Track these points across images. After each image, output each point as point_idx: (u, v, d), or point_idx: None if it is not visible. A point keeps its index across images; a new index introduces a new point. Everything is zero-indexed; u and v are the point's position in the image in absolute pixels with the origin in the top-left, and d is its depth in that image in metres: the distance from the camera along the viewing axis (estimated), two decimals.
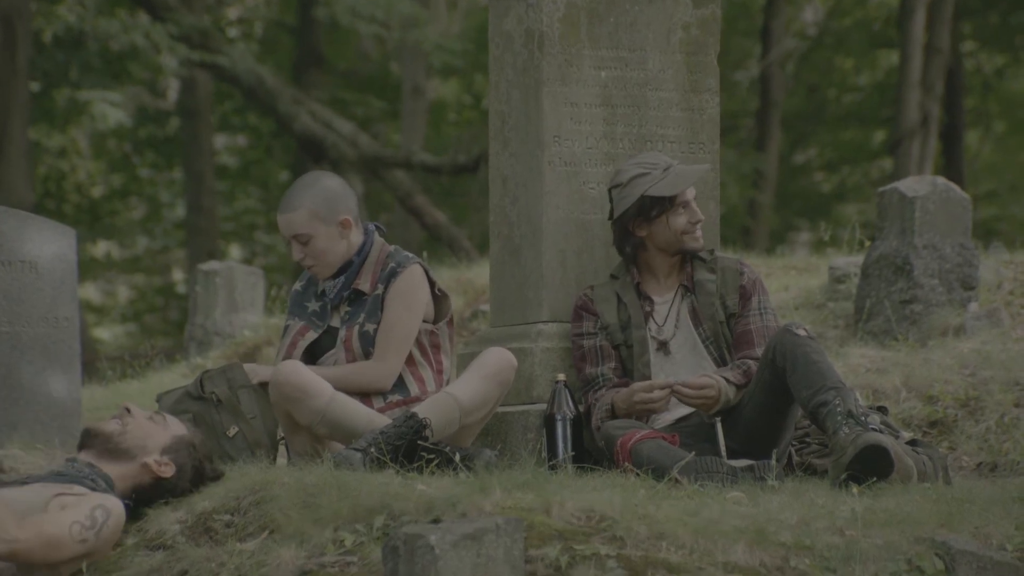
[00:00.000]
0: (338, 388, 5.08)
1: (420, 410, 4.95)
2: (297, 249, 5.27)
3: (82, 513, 4.22)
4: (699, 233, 5.28)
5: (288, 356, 5.29)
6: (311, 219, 5.25)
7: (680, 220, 5.24)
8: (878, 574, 3.88)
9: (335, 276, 5.31)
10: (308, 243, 5.25)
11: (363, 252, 5.31)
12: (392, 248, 5.36)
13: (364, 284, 5.29)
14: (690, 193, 5.27)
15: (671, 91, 5.69)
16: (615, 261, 5.46)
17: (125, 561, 4.23)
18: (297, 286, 5.46)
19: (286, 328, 5.38)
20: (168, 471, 4.52)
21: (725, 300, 5.27)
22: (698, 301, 5.27)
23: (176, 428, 4.62)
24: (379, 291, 5.27)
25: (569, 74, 5.58)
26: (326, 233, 5.26)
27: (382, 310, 5.25)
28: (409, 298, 5.25)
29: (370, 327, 5.25)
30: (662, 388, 5.02)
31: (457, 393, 5.03)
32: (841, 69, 23.06)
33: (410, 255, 5.34)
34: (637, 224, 5.26)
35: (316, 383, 5.00)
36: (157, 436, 4.57)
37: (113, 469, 4.48)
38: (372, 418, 4.99)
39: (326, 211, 5.25)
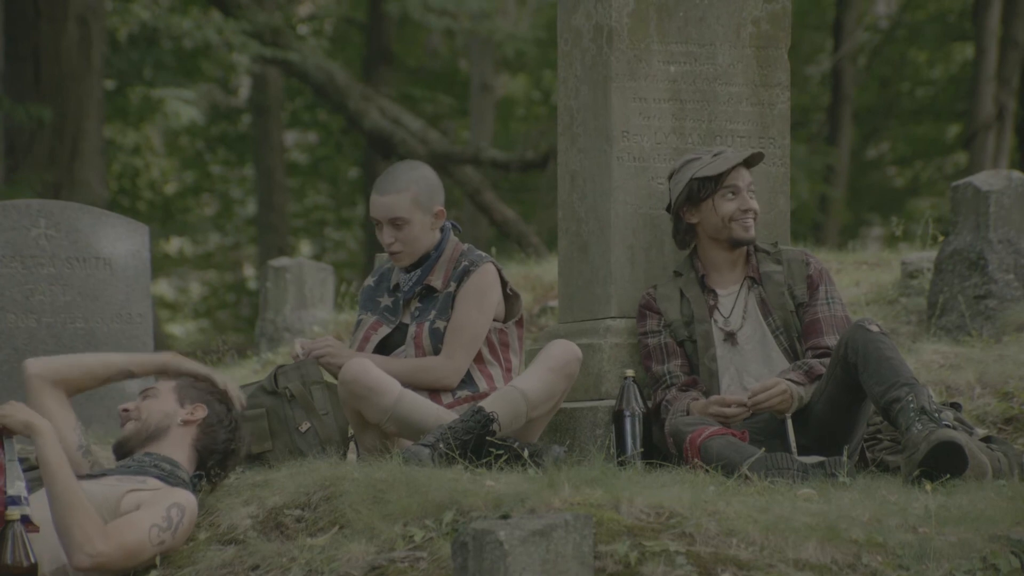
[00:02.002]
0: (404, 382, 5.10)
1: (487, 404, 4.95)
2: (389, 232, 5.25)
3: (158, 514, 4.24)
4: (750, 223, 5.23)
5: (361, 350, 5.31)
6: (412, 205, 5.25)
7: (728, 206, 5.21)
8: (952, 572, 3.84)
9: (410, 270, 5.32)
10: (403, 228, 5.24)
11: (440, 248, 5.32)
12: (466, 247, 5.36)
13: (436, 281, 5.30)
14: (742, 180, 5.23)
15: (741, 86, 5.66)
16: (683, 257, 5.44)
17: (198, 555, 4.27)
18: (370, 281, 5.47)
19: (359, 322, 5.39)
20: (201, 411, 4.56)
21: (793, 290, 5.25)
22: (766, 292, 5.25)
23: (168, 382, 4.65)
24: (451, 289, 5.28)
25: (638, 69, 5.56)
26: (421, 221, 5.26)
27: (453, 308, 5.26)
28: (480, 297, 5.25)
29: (440, 324, 5.25)
30: (738, 405, 4.98)
31: (523, 387, 5.03)
32: (914, 62, 22.83)
33: (483, 254, 5.34)
34: (688, 211, 5.27)
35: (384, 381, 5.01)
36: (165, 399, 4.60)
37: (164, 447, 4.52)
38: (440, 415, 5.00)
39: (426, 199, 5.26)
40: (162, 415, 4.56)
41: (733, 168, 5.22)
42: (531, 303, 10.36)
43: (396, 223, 5.24)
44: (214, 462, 4.55)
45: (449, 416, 5.00)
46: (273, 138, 20.65)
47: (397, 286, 5.36)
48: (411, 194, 5.24)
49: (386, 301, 5.38)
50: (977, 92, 18.88)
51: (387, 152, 18.40)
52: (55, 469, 4.16)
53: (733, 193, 5.22)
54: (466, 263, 5.30)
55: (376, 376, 5.00)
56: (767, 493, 4.35)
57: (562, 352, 5.11)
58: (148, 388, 4.66)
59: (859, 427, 5.05)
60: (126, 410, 4.62)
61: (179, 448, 4.53)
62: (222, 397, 4.63)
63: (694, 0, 5.62)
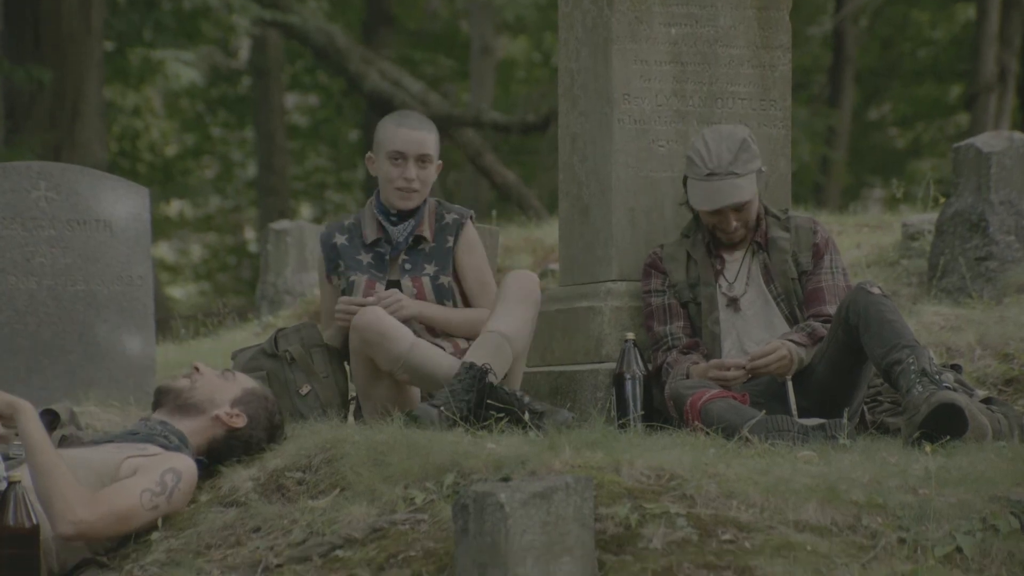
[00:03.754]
0: (464, 333, 5.17)
1: (474, 357, 4.93)
2: (413, 168, 5.25)
3: (152, 479, 4.24)
4: (732, 231, 5.19)
5: None
6: (436, 146, 5.32)
7: (707, 218, 5.23)
8: (952, 532, 3.85)
9: (399, 222, 5.30)
10: (426, 167, 5.28)
11: (426, 201, 5.34)
12: (435, 199, 5.39)
13: (426, 231, 5.30)
14: (724, 204, 5.17)
15: (742, 48, 5.64)
16: (685, 219, 5.44)
17: (199, 517, 4.28)
18: (342, 240, 5.36)
19: (351, 283, 5.30)
20: (239, 421, 4.54)
21: (798, 258, 5.25)
22: (771, 258, 5.24)
23: (246, 382, 4.65)
24: (449, 243, 5.27)
25: (639, 31, 5.54)
26: (436, 166, 5.33)
27: (457, 263, 5.28)
28: (481, 247, 5.37)
29: (445, 279, 5.25)
30: (737, 368, 4.98)
31: (502, 328, 5.00)
32: (917, 23, 22.74)
33: (459, 206, 5.42)
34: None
35: (397, 328, 4.99)
36: (227, 389, 4.59)
37: (185, 425, 4.52)
38: (453, 364, 4.97)
39: (440, 146, 5.35)
40: (209, 397, 4.57)
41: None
42: (532, 266, 10.36)
43: (423, 160, 5.26)
44: (217, 461, 4.56)
45: (469, 313, 4.97)
46: (273, 100, 20.62)
47: (378, 241, 5.32)
48: (436, 136, 5.32)
49: (366, 258, 5.33)
50: (979, 53, 18.83)
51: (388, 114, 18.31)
52: (36, 443, 4.14)
53: (716, 213, 5.19)
54: (455, 215, 5.34)
55: (390, 323, 4.99)
56: (767, 455, 4.36)
57: (519, 282, 5.09)
58: (228, 371, 4.68)
59: (860, 389, 5.06)
60: (196, 368, 4.62)
61: (197, 433, 4.53)
62: (270, 425, 4.61)
63: None
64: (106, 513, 4.13)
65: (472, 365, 4.87)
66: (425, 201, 5.33)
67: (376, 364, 5.03)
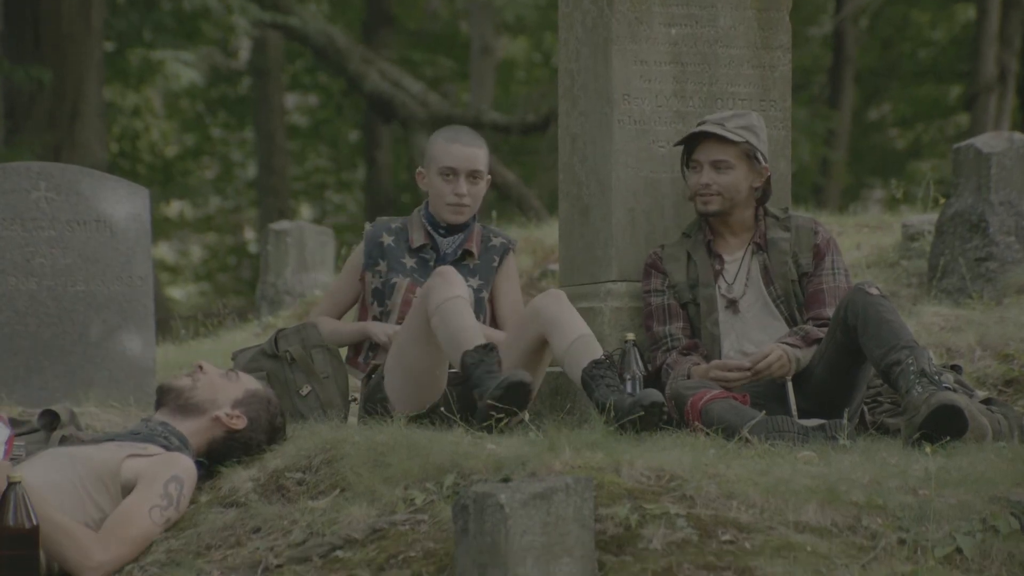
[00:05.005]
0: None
1: (591, 357, 4.89)
2: (464, 184, 5.31)
3: (156, 493, 4.23)
4: (708, 198, 5.21)
5: (403, 317, 5.26)
6: (487, 161, 5.38)
7: (691, 178, 5.28)
8: (952, 533, 3.85)
9: (448, 234, 5.36)
10: (477, 183, 5.34)
11: (475, 217, 5.42)
12: (480, 224, 5.47)
13: (473, 247, 5.38)
14: (704, 155, 5.21)
15: (742, 48, 5.64)
16: (685, 220, 5.44)
17: (199, 518, 4.28)
18: (388, 240, 5.42)
19: (392, 285, 5.33)
20: (240, 423, 4.54)
21: (798, 259, 5.24)
22: (770, 259, 5.24)
23: (249, 383, 4.64)
24: (494, 263, 5.38)
25: (639, 32, 5.54)
26: (486, 181, 5.39)
27: (497, 285, 5.38)
28: (518, 277, 5.46)
29: (485, 295, 5.34)
30: (740, 371, 4.98)
31: (583, 331, 4.97)
32: (917, 23, 22.74)
33: (504, 232, 5.51)
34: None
35: (456, 279, 4.96)
36: (228, 390, 4.59)
37: (185, 426, 4.52)
38: (476, 335, 4.88)
39: (489, 163, 5.42)
40: (210, 398, 4.56)
41: (699, 142, 5.22)
42: (532, 267, 10.37)
43: (475, 176, 5.33)
44: (217, 462, 4.55)
45: (476, 336, 4.86)
46: (273, 101, 20.62)
47: (423, 247, 5.37)
48: (487, 152, 5.38)
49: (410, 262, 5.38)
50: (979, 53, 18.83)
51: (388, 115, 18.37)
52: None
53: (696, 167, 5.23)
54: (502, 240, 5.44)
55: (452, 273, 4.97)
56: (767, 456, 4.36)
57: (562, 297, 5.07)
58: (232, 372, 4.67)
59: (859, 390, 5.06)
60: (200, 367, 4.62)
61: (198, 434, 4.52)
62: (270, 428, 4.60)
63: None
64: (122, 545, 4.11)
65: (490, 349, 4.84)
66: (474, 218, 5.40)
67: (425, 305, 4.96)
